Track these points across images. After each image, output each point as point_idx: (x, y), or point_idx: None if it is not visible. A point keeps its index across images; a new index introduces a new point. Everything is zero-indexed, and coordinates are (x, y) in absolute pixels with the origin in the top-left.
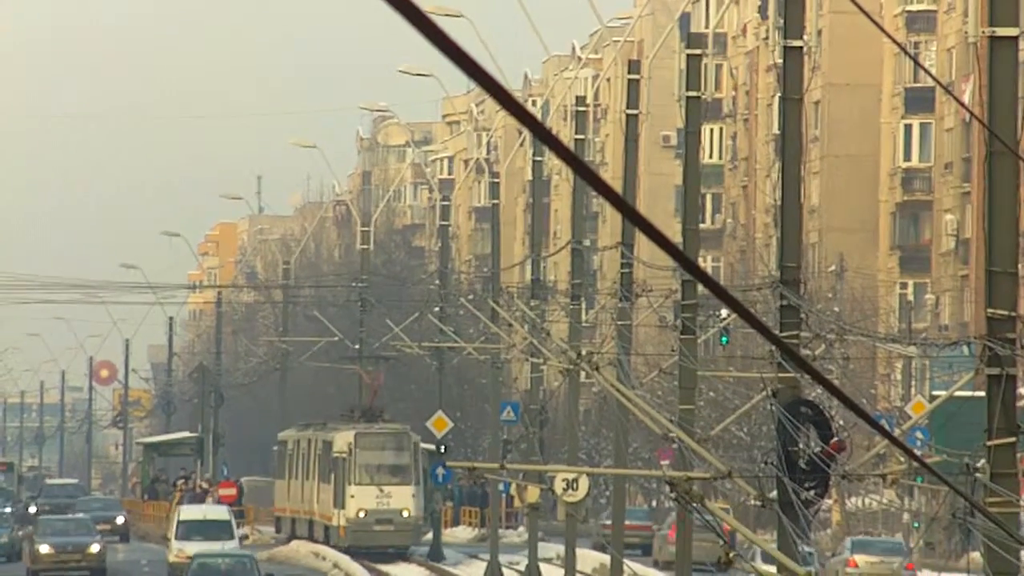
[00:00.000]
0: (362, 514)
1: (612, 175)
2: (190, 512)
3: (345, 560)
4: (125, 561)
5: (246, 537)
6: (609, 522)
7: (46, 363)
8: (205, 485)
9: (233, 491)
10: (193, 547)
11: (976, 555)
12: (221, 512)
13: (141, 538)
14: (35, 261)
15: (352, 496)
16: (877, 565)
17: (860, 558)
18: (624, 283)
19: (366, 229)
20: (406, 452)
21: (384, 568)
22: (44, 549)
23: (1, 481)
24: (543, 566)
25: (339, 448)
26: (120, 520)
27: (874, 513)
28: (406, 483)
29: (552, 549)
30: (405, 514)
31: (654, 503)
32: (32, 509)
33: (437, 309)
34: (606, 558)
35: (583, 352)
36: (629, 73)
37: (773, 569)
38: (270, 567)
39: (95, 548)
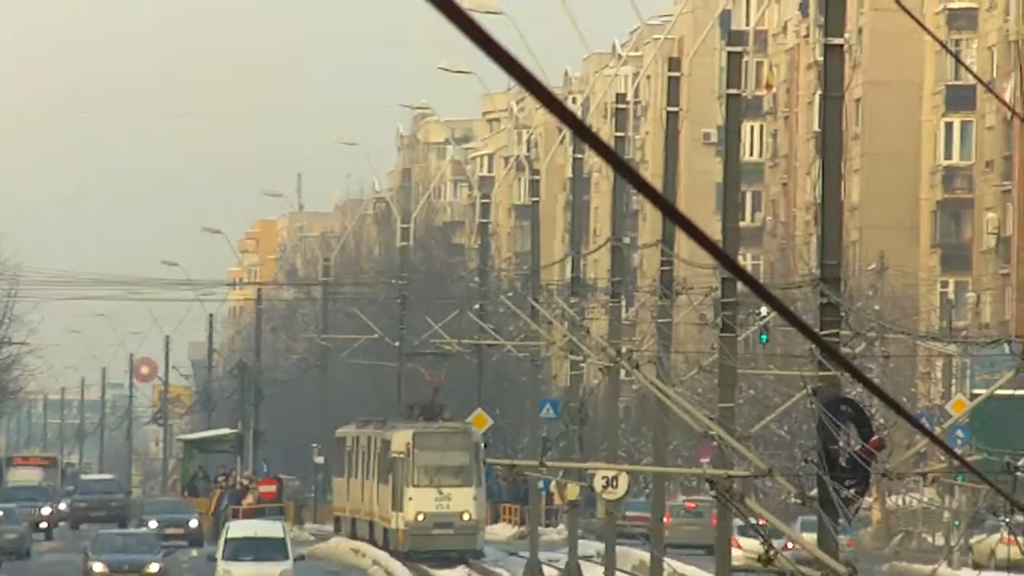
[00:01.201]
0: (421, 517)
1: (652, 172)
2: (240, 529)
3: (384, 557)
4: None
5: (302, 558)
6: (629, 513)
7: (87, 360)
8: (245, 482)
9: (273, 487)
10: (242, 570)
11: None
12: (274, 529)
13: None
14: (76, 258)
15: (410, 498)
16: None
17: (746, 542)
18: (664, 281)
19: (406, 226)
20: (467, 452)
21: (431, 570)
22: (98, 568)
23: (41, 479)
24: (583, 564)
25: (397, 448)
26: (194, 523)
27: (914, 511)
28: (467, 484)
29: (592, 547)
30: (466, 517)
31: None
32: (62, 506)
33: (477, 306)
34: (646, 555)
35: (623, 350)
36: (669, 70)
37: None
38: (310, 563)
39: (154, 567)
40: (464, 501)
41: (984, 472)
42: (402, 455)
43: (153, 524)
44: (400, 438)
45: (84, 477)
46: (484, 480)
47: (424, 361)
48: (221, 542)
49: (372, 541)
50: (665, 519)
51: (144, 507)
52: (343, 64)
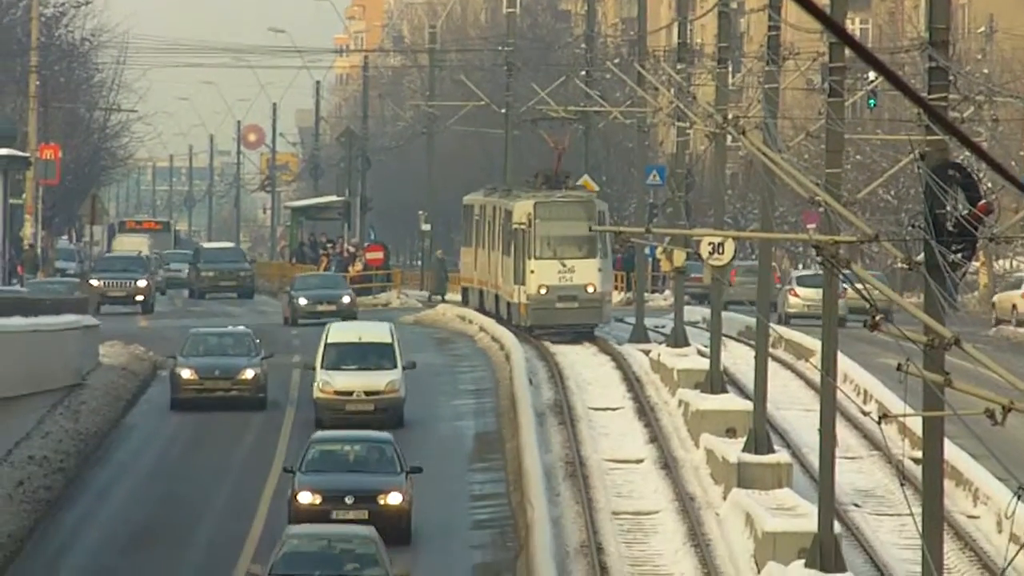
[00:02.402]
0: (543, 291)
1: None
2: (342, 332)
3: (490, 323)
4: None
5: (413, 365)
6: (695, 275)
7: (195, 127)
8: (352, 248)
9: (380, 254)
10: (344, 380)
11: None
12: (381, 332)
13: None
14: (184, 26)
15: (532, 271)
16: (815, 303)
17: (802, 291)
18: (771, 46)
19: None
20: (592, 222)
21: (547, 343)
22: (185, 374)
23: (151, 245)
24: (688, 329)
25: (518, 219)
26: (346, 300)
27: (1022, 276)
28: (591, 256)
29: (698, 312)
30: (590, 290)
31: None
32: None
33: (583, 73)
34: (751, 320)
35: (729, 115)
36: None
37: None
38: (417, 330)
39: (249, 373)
40: (589, 273)
41: None
42: (523, 226)
43: (303, 301)
44: (521, 208)
45: (206, 245)
46: (610, 252)
47: (547, 126)
48: (321, 347)
49: (497, 314)
50: (731, 277)
51: (294, 282)
52: None
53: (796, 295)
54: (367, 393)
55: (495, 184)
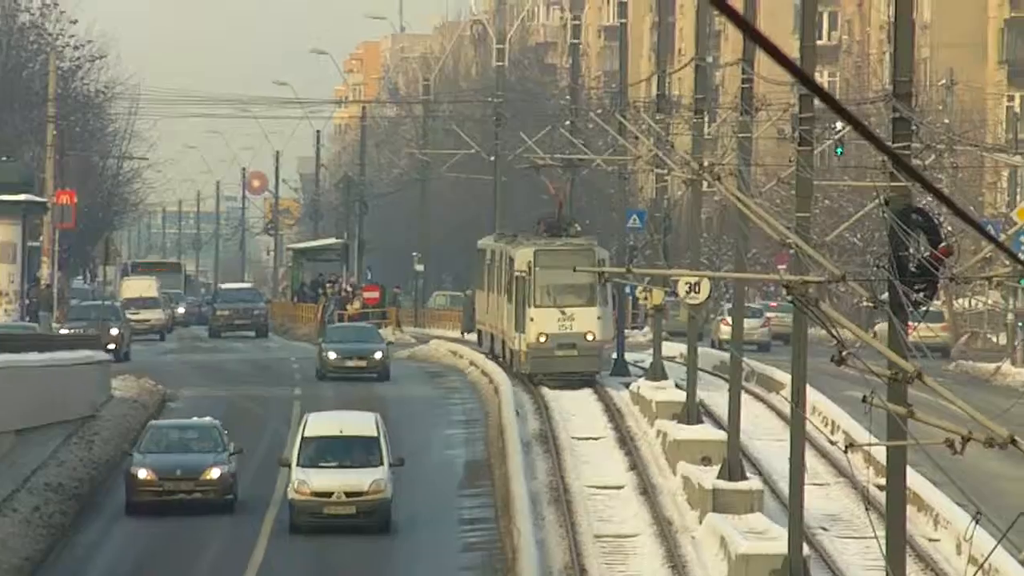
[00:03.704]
0: (543, 339)
1: None
2: (320, 424)
3: (480, 359)
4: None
5: (401, 462)
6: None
7: (202, 174)
8: (350, 288)
9: (377, 293)
10: (322, 480)
11: None
12: (365, 424)
13: (283, 334)
14: (192, 79)
15: (532, 319)
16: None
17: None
18: (745, 98)
19: (501, 47)
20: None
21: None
22: (142, 474)
23: (160, 287)
24: (667, 364)
25: (520, 266)
26: (378, 355)
27: (980, 314)
28: (591, 304)
29: (675, 348)
30: (590, 337)
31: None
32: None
33: (568, 123)
34: (725, 355)
35: (705, 163)
36: None
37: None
38: (411, 364)
39: (215, 473)
40: (588, 321)
41: None
42: (524, 274)
43: (332, 355)
44: (523, 256)
45: (223, 286)
46: (610, 300)
47: (548, 174)
48: (297, 441)
49: (502, 358)
50: (722, 322)
51: (326, 333)
52: None
53: (727, 323)
54: (348, 494)
55: (504, 230)
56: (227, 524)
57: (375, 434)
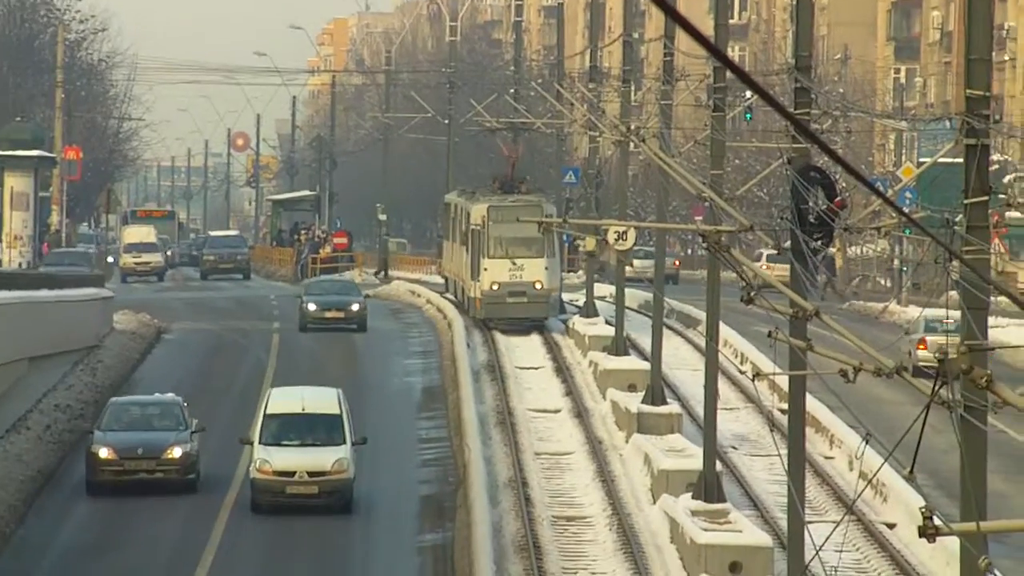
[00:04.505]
0: (495, 287)
1: None
2: (283, 401)
3: (436, 297)
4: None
5: (364, 441)
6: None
7: (192, 133)
8: (322, 234)
9: (345, 239)
10: (284, 459)
11: (953, 293)
12: (327, 401)
13: (264, 276)
14: (186, 50)
15: (486, 269)
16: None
17: (637, 262)
18: (666, 69)
19: (454, 24)
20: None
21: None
22: (103, 453)
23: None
24: (598, 303)
25: (475, 220)
26: (356, 307)
27: (870, 259)
28: (539, 256)
29: (605, 289)
30: (538, 286)
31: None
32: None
33: (512, 91)
34: (648, 295)
35: (632, 126)
36: None
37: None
38: (375, 302)
39: (176, 452)
40: (536, 271)
41: (927, 227)
42: (479, 227)
43: (311, 307)
44: (477, 211)
45: (213, 233)
46: (558, 251)
47: (503, 137)
48: (259, 418)
49: (461, 303)
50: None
51: (306, 288)
52: None
53: (632, 266)
54: (311, 474)
55: (465, 186)
56: (187, 503)
57: (338, 411)
